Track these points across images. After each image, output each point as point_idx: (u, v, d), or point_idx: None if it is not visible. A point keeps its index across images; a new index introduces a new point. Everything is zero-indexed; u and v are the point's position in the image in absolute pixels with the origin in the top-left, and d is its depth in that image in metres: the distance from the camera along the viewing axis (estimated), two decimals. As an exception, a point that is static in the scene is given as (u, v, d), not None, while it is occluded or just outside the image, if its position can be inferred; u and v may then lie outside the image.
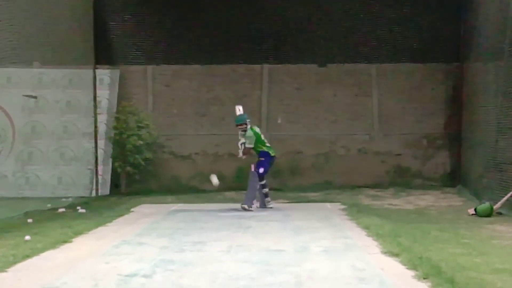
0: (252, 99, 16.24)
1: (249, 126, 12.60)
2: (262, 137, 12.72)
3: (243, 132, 12.57)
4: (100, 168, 15.69)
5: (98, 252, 8.08)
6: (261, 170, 12.47)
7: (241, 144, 12.61)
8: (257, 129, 12.82)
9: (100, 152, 15.75)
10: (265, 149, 12.59)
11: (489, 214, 11.02)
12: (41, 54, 14.08)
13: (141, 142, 15.68)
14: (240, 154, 12.67)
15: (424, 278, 6.36)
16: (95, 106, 15.65)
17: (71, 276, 6.77)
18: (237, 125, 12.68)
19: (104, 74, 16.07)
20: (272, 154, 12.63)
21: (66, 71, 15.64)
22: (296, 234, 9.44)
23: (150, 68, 16.50)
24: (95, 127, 15.62)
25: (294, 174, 16.33)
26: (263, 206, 12.60)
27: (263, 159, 12.53)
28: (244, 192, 12.71)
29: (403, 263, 7.09)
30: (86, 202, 13.88)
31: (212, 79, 16.51)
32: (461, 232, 9.32)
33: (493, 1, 13.10)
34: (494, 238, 8.86)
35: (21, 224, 10.53)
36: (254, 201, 12.50)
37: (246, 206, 12.29)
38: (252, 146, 12.48)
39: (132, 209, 12.66)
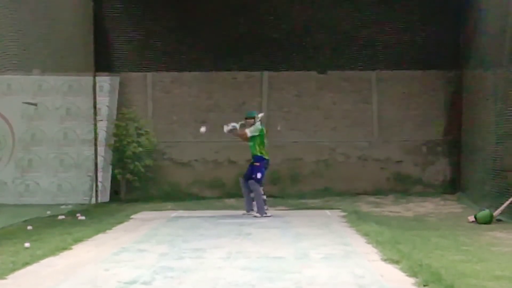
0: (252, 106, 16.23)
1: (258, 123, 12.65)
2: (265, 140, 12.74)
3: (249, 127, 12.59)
4: (100, 175, 15.68)
5: (98, 259, 8.08)
6: (259, 175, 12.44)
7: (232, 126, 12.61)
8: (264, 130, 12.81)
9: (100, 159, 15.74)
10: (263, 153, 12.55)
11: (488, 221, 11.02)
12: (41, 61, 14.08)
13: (141, 149, 15.70)
14: (226, 128, 12.61)
15: (424, 285, 6.35)
16: (95, 113, 15.65)
17: (71, 283, 6.77)
18: (246, 119, 12.71)
19: (104, 81, 16.09)
20: (266, 157, 12.62)
21: (66, 78, 15.65)
22: (296, 241, 9.44)
23: (150, 75, 16.52)
24: (95, 134, 15.62)
25: (294, 181, 16.32)
26: (250, 209, 12.58)
27: (258, 164, 12.50)
28: (244, 199, 12.74)
29: (403, 270, 7.08)
30: (85, 209, 13.87)
31: (211, 86, 16.53)
32: (461, 239, 9.32)
33: (492, 9, 13.13)
34: (494, 245, 8.86)
35: (20, 231, 10.52)
36: (266, 207, 12.50)
37: (258, 215, 12.34)
38: (251, 134, 12.44)
39: (131, 216, 12.65)
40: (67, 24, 14.48)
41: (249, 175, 12.51)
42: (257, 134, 12.51)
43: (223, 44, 16.26)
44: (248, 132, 12.50)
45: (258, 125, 12.61)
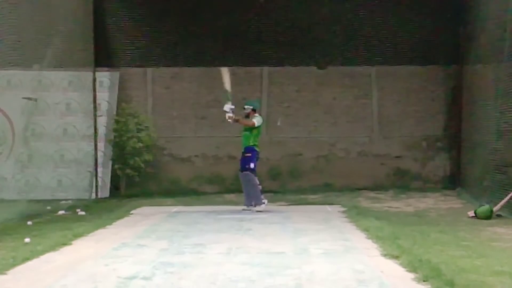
0: (252, 102, 16.24)
1: (256, 114, 12.67)
2: (261, 131, 12.82)
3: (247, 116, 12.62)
4: (99, 170, 15.67)
5: (98, 255, 8.08)
6: (252, 165, 12.43)
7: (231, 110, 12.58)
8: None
9: (99, 154, 15.73)
10: (255, 144, 12.53)
11: (488, 216, 11.03)
12: (41, 57, 14.06)
13: (141, 145, 15.68)
14: (230, 112, 12.57)
15: (423, 281, 6.36)
16: (95, 109, 15.64)
17: (71, 278, 6.78)
18: (244, 108, 12.76)
19: (104, 76, 16.07)
20: (257, 149, 12.60)
21: (66, 74, 15.62)
22: (295, 236, 9.44)
23: (149, 70, 16.50)
24: (95, 129, 15.61)
25: (294, 176, 16.33)
26: (250, 204, 12.55)
27: (249, 154, 12.48)
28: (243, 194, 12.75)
29: (402, 265, 7.09)
30: (85, 204, 13.86)
31: (211, 82, 16.46)
32: (460, 235, 9.33)
33: (493, 3, 13.11)
34: (493, 241, 8.86)
35: (20, 227, 10.53)
36: (262, 196, 12.50)
37: (257, 207, 12.33)
38: (258, 124, 12.47)
39: (131, 212, 12.66)
40: (67, 19, 14.45)
41: (242, 167, 12.53)
42: (259, 125, 12.56)
43: (223, 40, 16.24)
44: (256, 121, 12.52)
45: (260, 118, 12.68)
